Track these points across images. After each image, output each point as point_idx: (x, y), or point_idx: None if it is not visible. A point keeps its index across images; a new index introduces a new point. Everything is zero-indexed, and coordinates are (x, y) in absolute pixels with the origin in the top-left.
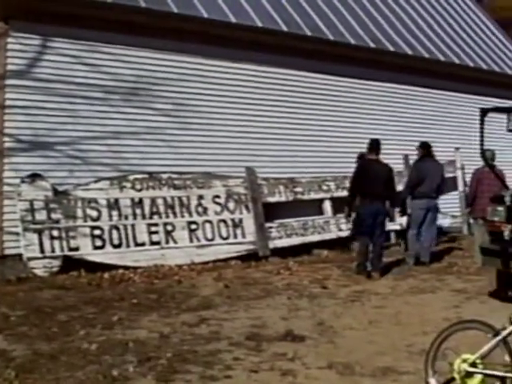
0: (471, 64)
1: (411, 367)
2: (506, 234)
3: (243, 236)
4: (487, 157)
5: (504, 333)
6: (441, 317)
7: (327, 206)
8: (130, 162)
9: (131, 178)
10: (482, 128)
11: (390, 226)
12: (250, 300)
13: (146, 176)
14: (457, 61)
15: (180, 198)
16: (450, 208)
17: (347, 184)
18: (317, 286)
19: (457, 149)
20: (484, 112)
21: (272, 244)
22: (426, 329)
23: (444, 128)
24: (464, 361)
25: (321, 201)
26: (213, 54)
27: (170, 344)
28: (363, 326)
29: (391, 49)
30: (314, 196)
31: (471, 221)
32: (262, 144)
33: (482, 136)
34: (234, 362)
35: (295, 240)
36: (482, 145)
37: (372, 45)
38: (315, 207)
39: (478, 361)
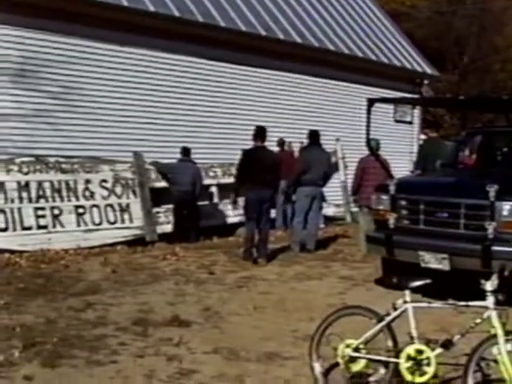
0: (360, 54)
1: (296, 352)
2: (391, 222)
3: (131, 221)
4: (372, 146)
5: (388, 318)
6: (326, 303)
7: (214, 192)
8: (17, 145)
9: (18, 160)
10: (368, 117)
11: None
12: (136, 285)
13: (33, 159)
14: (346, 51)
15: (67, 182)
16: (332, 197)
17: (233, 171)
18: (204, 272)
19: (337, 139)
20: (371, 102)
21: (160, 229)
22: (312, 315)
23: (327, 117)
24: (348, 346)
25: (207, 187)
26: (101, 36)
27: (57, 329)
28: (249, 311)
29: (281, 37)
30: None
31: (356, 209)
32: (150, 129)
33: (368, 125)
34: (120, 346)
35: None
36: (368, 134)
37: (263, 32)
38: (204, 193)
39: (361, 346)
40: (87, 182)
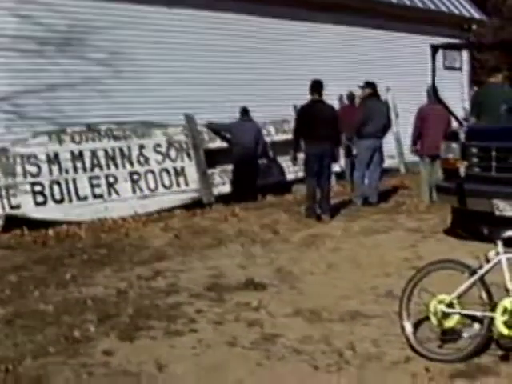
0: (408, 2)
1: (379, 310)
2: (462, 170)
3: (186, 184)
4: (430, 93)
5: (481, 271)
6: (400, 257)
7: (268, 150)
8: (67, 115)
9: (69, 130)
10: (433, 64)
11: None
12: (202, 249)
13: (84, 128)
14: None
15: (121, 149)
16: (385, 148)
17: (286, 127)
18: (268, 232)
19: (388, 89)
20: (435, 48)
21: (216, 191)
22: (387, 270)
23: (378, 68)
24: (440, 302)
25: (269, 145)
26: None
27: (129, 299)
28: (323, 270)
29: None
30: None
31: (411, 160)
32: (201, 90)
33: (433, 73)
34: (198, 314)
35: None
36: (433, 82)
37: None
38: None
39: (454, 301)
40: (141, 147)
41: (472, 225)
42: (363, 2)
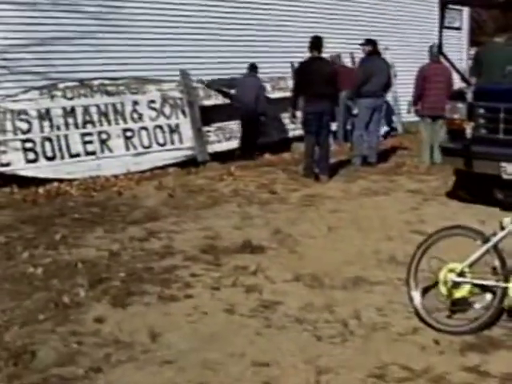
0: None
1: (383, 276)
2: (468, 132)
3: (181, 142)
4: (434, 52)
5: (494, 239)
6: (402, 220)
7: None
8: (59, 70)
9: (62, 86)
10: (442, 21)
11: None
12: (197, 209)
13: (76, 83)
14: None
15: (114, 105)
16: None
17: (283, 85)
18: (265, 192)
19: (386, 48)
20: (445, 3)
21: (211, 148)
22: (389, 233)
23: (376, 26)
24: (451, 270)
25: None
26: None
27: (122, 262)
28: (323, 232)
29: None
30: None
31: (409, 119)
32: (196, 46)
33: (441, 30)
34: (193, 278)
35: (234, 143)
36: (440, 39)
37: None
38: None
39: (466, 270)
40: (134, 103)
41: (477, 188)
42: None
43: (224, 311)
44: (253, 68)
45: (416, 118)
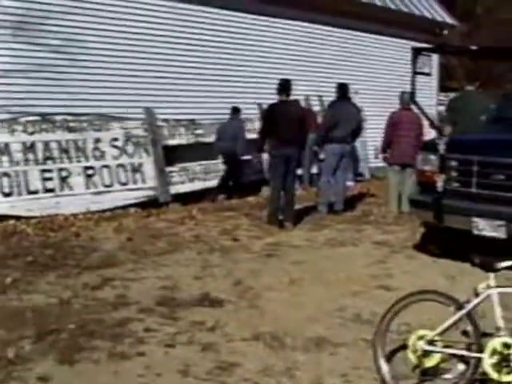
0: (379, 3)
1: (348, 337)
2: (439, 184)
3: (143, 181)
4: (405, 99)
5: (469, 306)
6: (368, 274)
7: None
8: (20, 103)
9: (22, 120)
10: (414, 68)
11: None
12: (156, 255)
13: (38, 118)
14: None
15: (75, 142)
16: None
17: (250, 126)
18: (227, 238)
19: (356, 92)
20: (417, 51)
21: (173, 189)
22: (354, 288)
23: (346, 70)
24: (421, 338)
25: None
26: None
27: (73, 312)
28: (285, 285)
29: None
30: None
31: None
32: (162, 84)
33: (414, 77)
34: (147, 333)
35: (197, 185)
36: (413, 86)
37: None
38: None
39: (437, 338)
40: (97, 141)
41: (447, 241)
42: (334, 1)
43: (178, 372)
44: (235, 111)
45: (383, 164)
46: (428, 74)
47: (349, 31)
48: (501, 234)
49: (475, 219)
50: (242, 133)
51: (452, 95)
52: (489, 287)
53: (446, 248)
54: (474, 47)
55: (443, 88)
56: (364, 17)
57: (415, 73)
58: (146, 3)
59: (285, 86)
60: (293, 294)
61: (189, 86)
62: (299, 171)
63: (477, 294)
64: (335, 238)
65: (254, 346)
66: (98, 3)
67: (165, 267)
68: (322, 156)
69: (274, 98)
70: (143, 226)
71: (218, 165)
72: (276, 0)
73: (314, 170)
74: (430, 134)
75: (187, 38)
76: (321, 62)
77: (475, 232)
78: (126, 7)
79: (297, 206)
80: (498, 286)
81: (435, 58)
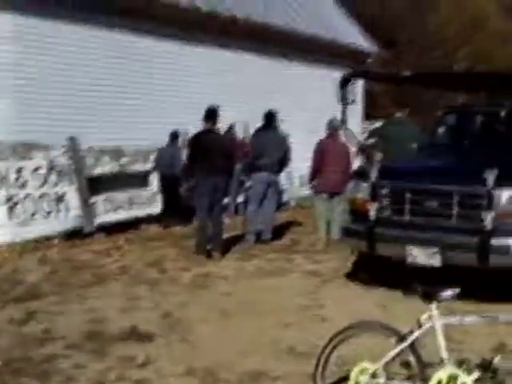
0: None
1: (282, 370)
2: (372, 213)
3: (67, 211)
4: (334, 126)
5: (411, 337)
6: (299, 304)
7: (154, 178)
8: None
9: None
10: (344, 96)
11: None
12: (81, 288)
13: None
14: (287, 27)
15: None
16: None
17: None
18: (154, 270)
19: (281, 120)
20: (347, 79)
21: (98, 219)
22: (286, 319)
23: (268, 97)
24: (363, 371)
25: (147, 173)
26: (28, 11)
27: None
28: (215, 318)
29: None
30: (139, 168)
31: (305, 194)
32: (86, 111)
33: (344, 104)
34: (76, 370)
35: (122, 215)
36: (344, 114)
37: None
38: (141, 180)
39: (379, 371)
40: (19, 170)
41: (378, 270)
42: (254, 27)
43: None
44: (173, 137)
45: (308, 192)
46: (352, 101)
47: (272, 59)
48: (435, 261)
49: (409, 247)
50: (180, 158)
51: (378, 123)
52: (431, 318)
53: (378, 277)
54: (407, 73)
55: (367, 115)
56: (283, 45)
57: (344, 100)
58: (71, 31)
59: (211, 114)
60: (224, 327)
61: (113, 113)
62: (225, 200)
63: (419, 325)
64: (264, 268)
65: (187, 382)
66: (20, 28)
67: (90, 300)
68: (249, 184)
69: (199, 126)
70: (67, 258)
71: (143, 194)
72: (192, 26)
73: (240, 199)
74: (356, 161)
75: (110, 67)
76: (247, 89)
77: (409, 260)
78: (45, 35)
79: (224, 236)
80: (440, 317)
81: (360, 84)
